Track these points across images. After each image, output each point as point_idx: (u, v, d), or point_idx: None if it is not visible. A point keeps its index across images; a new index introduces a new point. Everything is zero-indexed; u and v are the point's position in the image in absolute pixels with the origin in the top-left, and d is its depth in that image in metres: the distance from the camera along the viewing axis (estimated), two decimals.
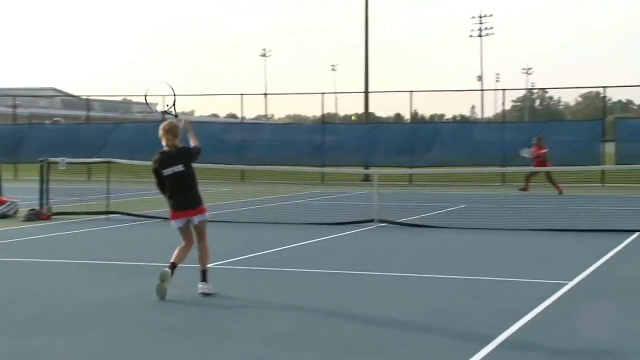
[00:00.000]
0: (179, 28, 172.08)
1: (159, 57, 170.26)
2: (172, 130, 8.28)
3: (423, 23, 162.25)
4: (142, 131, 32.63)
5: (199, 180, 8.44)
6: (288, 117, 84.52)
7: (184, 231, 8.36)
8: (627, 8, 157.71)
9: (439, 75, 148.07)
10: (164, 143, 8.29)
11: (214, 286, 8.37)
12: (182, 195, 8.25)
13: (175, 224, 8.32)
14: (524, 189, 23.21)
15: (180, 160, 8.26)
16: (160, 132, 8.26)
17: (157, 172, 8.33)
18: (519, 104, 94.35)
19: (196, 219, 8.28)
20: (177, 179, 8.25)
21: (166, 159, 8.28)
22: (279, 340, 6.56)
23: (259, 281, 9.36)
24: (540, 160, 22.90)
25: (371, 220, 15.05)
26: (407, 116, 35.84)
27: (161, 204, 19.45)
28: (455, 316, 7.36)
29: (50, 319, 7.34)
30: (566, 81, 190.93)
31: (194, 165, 8.40)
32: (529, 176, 23.54)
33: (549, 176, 22.94)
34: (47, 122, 46.98)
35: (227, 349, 6.30)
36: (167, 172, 8.25)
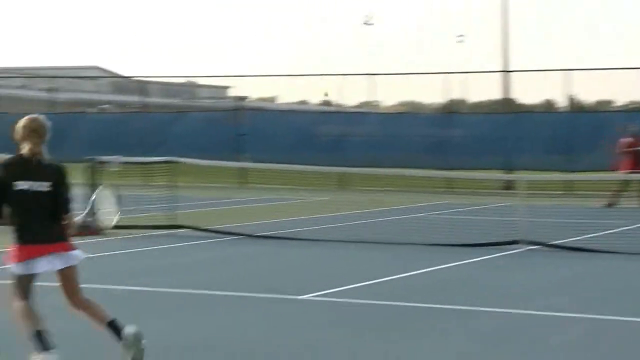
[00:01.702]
0: None
1: (229, 29, 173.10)
2: (39, 130, 7.24)
3: None
4: (212, 122, 33.33)
5: None
6: (400, 104, 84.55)
7: (27, 281, 7.17)
8: None
9: (606, 47, 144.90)
10: (26, 147, 7.17)
11: (298, 321, 8.42)
12: (36, 224, 7.12)
13: (20, 268, 7.12)
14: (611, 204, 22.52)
15: (47, 176, 7.18)
16: (22, 131, 7.18)
17: (2, 181, 7.15)
18: None
19: (58, 262, 7.15)
20: (35, 199, 7.12)
21: (23, 167, 7.16)
22: None
23: (363, 318, 9.54)
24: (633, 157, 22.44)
25: (516, 242, 14.98)
26: (560, 103, 35.39)
27: (241, 217, 19.87)
28: None
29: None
30: None
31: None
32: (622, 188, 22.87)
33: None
34: (90, 110, 48.39)
35: None
36: (22, 185, 7.12)
